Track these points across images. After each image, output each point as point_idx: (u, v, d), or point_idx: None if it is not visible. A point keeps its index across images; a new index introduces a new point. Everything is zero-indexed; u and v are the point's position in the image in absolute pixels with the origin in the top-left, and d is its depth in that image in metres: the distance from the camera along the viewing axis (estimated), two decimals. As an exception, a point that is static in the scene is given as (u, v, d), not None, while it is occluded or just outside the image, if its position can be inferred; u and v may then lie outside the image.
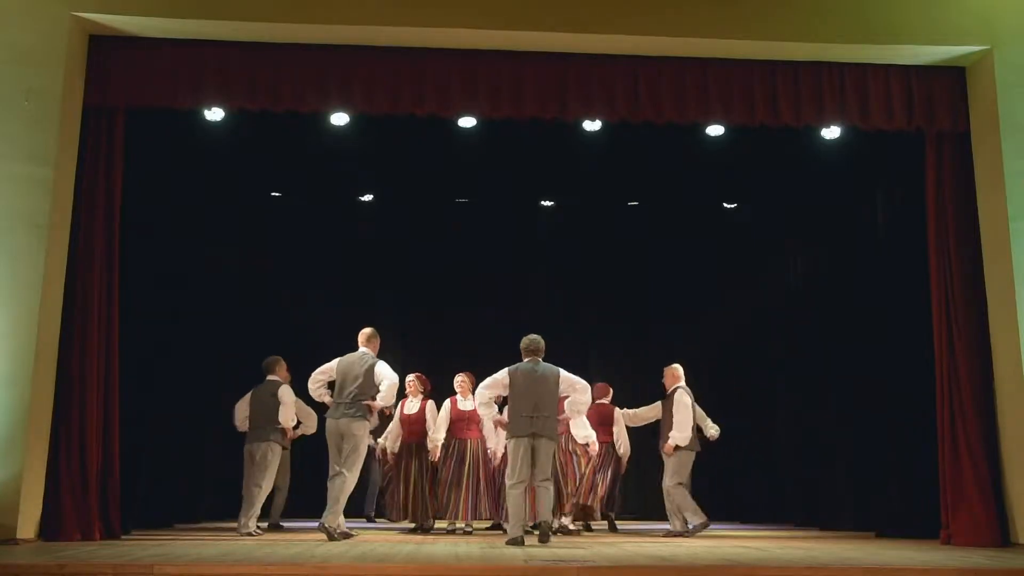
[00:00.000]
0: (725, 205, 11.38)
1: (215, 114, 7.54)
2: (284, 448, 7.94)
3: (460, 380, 8.31)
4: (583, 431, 7.70)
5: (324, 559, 5.04)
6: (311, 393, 7.30)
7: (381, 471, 8.77)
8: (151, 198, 7.89)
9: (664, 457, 8.03)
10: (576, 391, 6.91)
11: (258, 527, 7.62)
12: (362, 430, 6.98)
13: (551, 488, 6.69)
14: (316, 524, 7.08)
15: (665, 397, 8.19)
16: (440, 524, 8.45)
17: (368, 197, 11.15)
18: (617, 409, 8.57)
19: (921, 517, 7.50)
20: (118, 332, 6.84)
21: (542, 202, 11.51)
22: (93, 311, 6.67)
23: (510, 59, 7.20)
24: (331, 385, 7.28)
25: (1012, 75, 7.16)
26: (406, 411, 8.29)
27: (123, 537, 6.68)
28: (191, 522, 9.03)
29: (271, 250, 11.09)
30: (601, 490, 8.19)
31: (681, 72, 7.28)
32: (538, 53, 7.20)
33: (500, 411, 7.39)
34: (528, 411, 6.60)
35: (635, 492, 10.39)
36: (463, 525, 7.99)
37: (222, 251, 10.06)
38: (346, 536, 6.86)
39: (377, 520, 9.79)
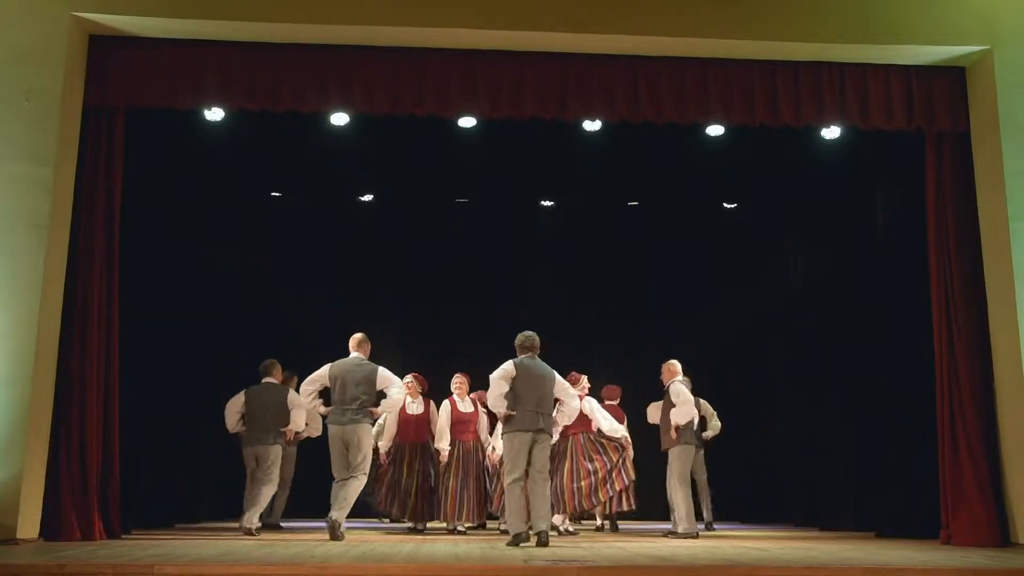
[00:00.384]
0: (725, 205, 11.38)
1: (215, 114, 7.54)
2: (284, 448, 7.97)
3: (458, 381, 8.28)
4: (610, 424, 8.02)
5: (324, 559, 5.04)
6: (304, 402, 7.47)
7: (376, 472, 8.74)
8: (151, 198, 7.90)
9: (671, 454, 7.80)
10: (569, 397, 6.97)
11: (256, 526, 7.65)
12: (369, 435, 7.15)
13: (548, 488, 6.64)
14: (315, 524, 7.11)
15: (665, 393, 8.13)
16: (433, 525, 8.46)
17: (368, 197, 11.15)
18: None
19: (921, 517, 7.50)
20: (118, 332, 6.84)
21: (542, 202, 11.51)
22: (93, 311, 6.67)
23: (510, 59, 7.20)
24: (321, 392, 7.38)
25: (1012, 75, 7.16)
26: (408, 412, 8.28)
27: (123, 537, 6.69)
28: (191, 522, 9.04)
29: (271, 250, 11.10)
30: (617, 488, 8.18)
31: (681, 72, 7.28)
32: (538, 53, 7.20)
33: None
34: (533, 406, 6.56)
35: (636, 492, 10.37)
36: (465, 527, 8.02)
37: (222, 251, 10.06)
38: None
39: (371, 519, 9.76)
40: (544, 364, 6.80)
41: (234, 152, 8.91)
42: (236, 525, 8.30)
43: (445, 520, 8.05)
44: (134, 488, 7.41)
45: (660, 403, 8.22)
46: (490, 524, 8.76)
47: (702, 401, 8.57)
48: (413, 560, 5.07)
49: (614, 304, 11.72)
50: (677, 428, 7.70)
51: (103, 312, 6.75)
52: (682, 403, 7.74)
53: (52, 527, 6.30)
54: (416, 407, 8.33)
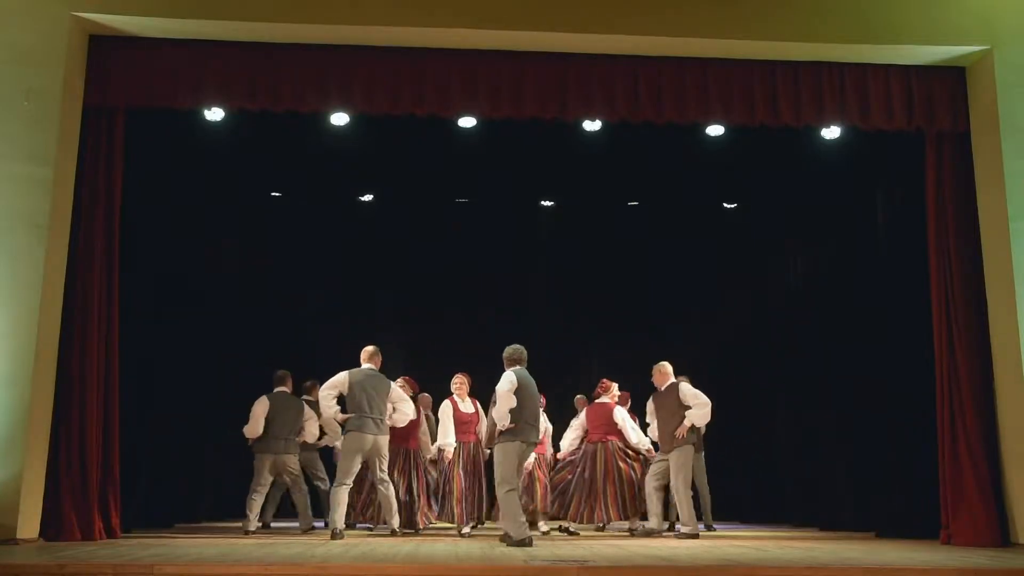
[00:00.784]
0: (725, 205, 11.38)
1: (215, 114, 7.54)
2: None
3: (459, 382, 8.08)
4: (638, 436, 8.02)
5: (324, 559, 5.04)
6: (325, 407, 7.42)
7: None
8: (151, 198, 7.90)
9: (672, 456, 7.66)
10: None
11: (257, 526, 7.77)
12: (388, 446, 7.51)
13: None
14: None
15: (658, 394, 8.04)
16: (441, 525, 8.43)
17: (368, 197, 11.15)
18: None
19: (921, 517, 7.50)
20: (118, 332, 6.84)
21: (542, 202, 11.51)
22: (93, 311, 6.67)
23: (510, 59, 7.20)
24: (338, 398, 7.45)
25: (1012, 75, 7.16)
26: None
27: (123, 537, 6.69)
28: (191, 522, 9.03)
29: (271, 250, 11.10)
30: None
31: (681, 72, 7.28)
32: (538, 53, 7.20)
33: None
34: (532, 419, 6.73)
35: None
36: (469, 529, 7.70)
37: (222, 251, 10.07)
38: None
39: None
40: (530, 376, 6.94)
41: (234, 152, 8.91)
42: (237, 525, 8.31)
43: (452, 521, 7.72)
44: (134, 488, 7.41)
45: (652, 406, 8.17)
46: (490, 525, 8.75)
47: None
48: (413, 560, 5.07)
49: (614, 304, 11.72)
50: (685, 430, 7.62)
51: (103, 312, 6.75)
52: (702, 405, 7.67)
53: (52, 527, 6.30)
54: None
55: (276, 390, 8.05)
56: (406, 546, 6.17)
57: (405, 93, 7.11)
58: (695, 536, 7.53)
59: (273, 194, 10.97)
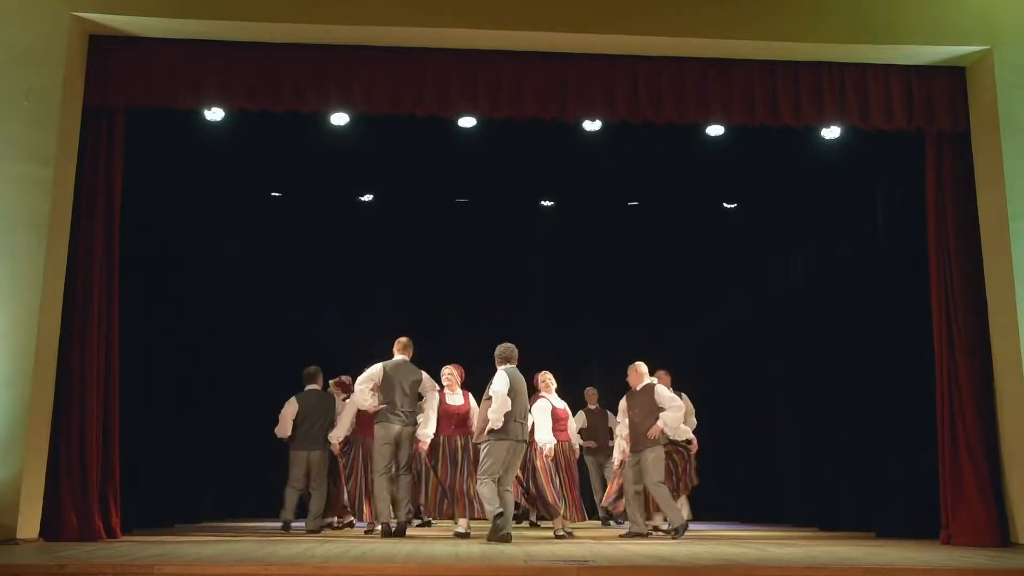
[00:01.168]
0: (725, 205, 11.38)
1: (215, 114, 7.54)
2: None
3: (448, 372, 7.84)
4: (683, 427, 8.01)
5: (324, 559, 5.04)
6: (361, 400, 7.48)
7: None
8: (151, 198, 7.90)
9: (644, 455, 7.59)
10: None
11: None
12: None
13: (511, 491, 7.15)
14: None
15: (632, 394, 7.92)
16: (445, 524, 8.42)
17: (368, 197, 11.15)
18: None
19: (921, 517, 7.50)
20: (118, 332, 6.84)
21: (542, 202, 11.51)
22: (93, 311, 6.67)
23: (510, 59, 7.20)
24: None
25: (1012, 75, 7.16)
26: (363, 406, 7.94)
27: (123, 537, 6.68)
28: (191, 522, 9.03)
29: (271, 250, 11.10)
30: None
31: (681, 72, 7.28)
32: (538, 53, 7.20)
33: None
34: (521, 418, 6.92)
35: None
36: (463, 528, 7.57)
37: (222, 251, 10.07)
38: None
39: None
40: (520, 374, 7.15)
41: (234, 152, 8.91)
42: (237, 525, 8.32)
43: (457, 518, 7.62)
44: (134, 488, 7.41)
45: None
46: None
47: (684, 398, 8.47)
48: (413, 560, 5.07)
49: (614, 304, 11.72)
50: (658, 432, 7.56)
51: (103, 312, 6.75)
52: (676, 408, 7.64)
53: (52, 527, 6.30)
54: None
55: (307, 388, 8.17)
56: (406, 546, 6.17)
57: (405, 93, 7.11)
58: (686, 527, 7.55)
59: (273, 194, 10.97)
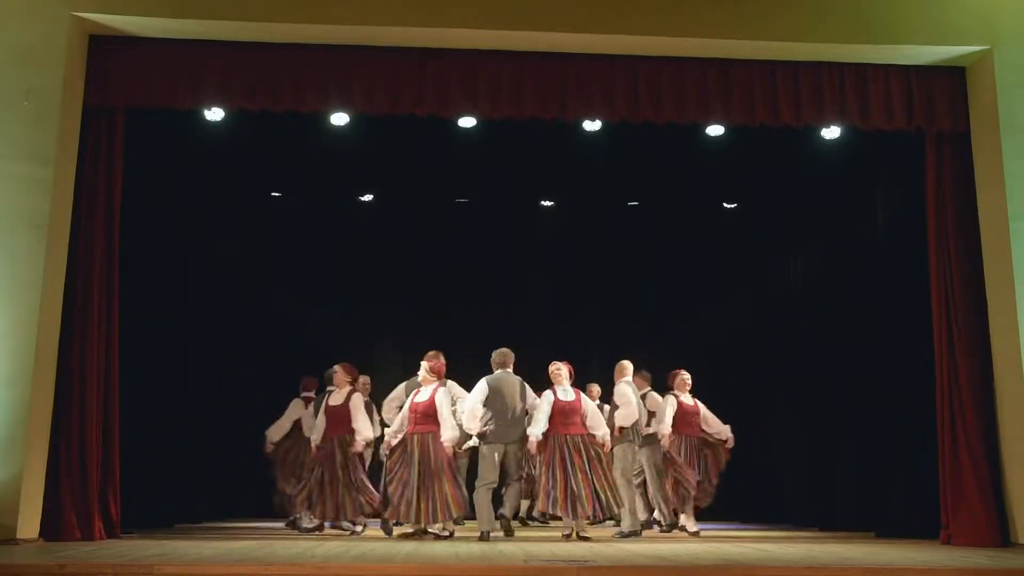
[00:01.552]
0: (725, 205, 11.38)
1: (215, 114, 7.53)
2: None
3: (427, 366, 7.45)
4: (719, 426, 8.21)
5: (324, 559, 5.04)
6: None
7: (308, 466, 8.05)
8: (151, 198, 7.90)
9: (614, 452, 7.73)
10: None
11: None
12: None
13: (519, 486, 7.57)
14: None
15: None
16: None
17: (368, 197, 11.15)
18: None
19: (921, 517, 7.50)
20: (118, 332, 6.84)
21: (542, 202, 11.50)
22: (93, 311, 6.66)
23: (510, 59, 7.20)
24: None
25: (1012, 75, 7.16)
26: (331, 403, 7.74)
27: (123, 537, 6.68)
28: (191, 522, 9.03)
29: (271, 250, 11.09)
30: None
31: (681, 72, 7.28)
32: (538, 53, 7.20)
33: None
34: (510, 420, 7.31)
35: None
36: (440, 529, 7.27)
37: (222, 251, 10.06)
38: None
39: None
40: (514, 376, 7.54)
41: (234, 152, 8.90)
42: (237, 525, 8.32)
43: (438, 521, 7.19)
44: (134, 488, 7.41)
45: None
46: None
47: (654, 397, 8.46)
48: (413, 560, 5.08)
49: (614, 304, 11.71)
50: (620, 429, 7.72)
51: (103, 312, 6.75)
52: (625, 404, 7.75)
53: (52, 527, 6.30)
54: (338, 398, 7.76)
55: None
56: (406, 546, 6.17)
57: (405, 93, 7.11)
58: (637, 534, 7.63)
59: (273, 194, 10.96)
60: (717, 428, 8.36)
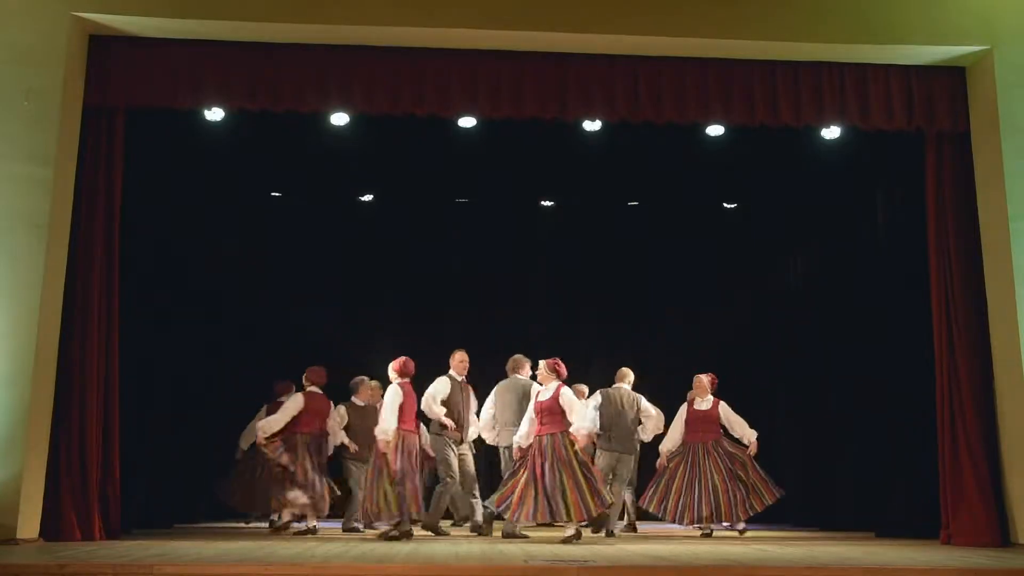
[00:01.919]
0: (725, 205, 11.38)
1: (215, 114, 7.53)
2: None
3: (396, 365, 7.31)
4: (742, 430, 8.17)
5: (324, 559, 5.04)
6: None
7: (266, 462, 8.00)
8: (151, 198, 7.90)
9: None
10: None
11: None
12: None
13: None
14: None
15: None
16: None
17: (368, 197, 11.15)
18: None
19: (921, 517, 7.50)
20: (118, 332, 6.84)
21: (542, 202, 11.51)
22: (93, 311, 6.66)
23: (510, 59, 7.19)
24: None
25: (1012, 75, 7.15)
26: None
27: (123, 537, 6.68)
28: (191, 522, 9.03)
29: (271, 250, 11.09)
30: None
31: (681, 72, 7.28)
32: (538, 53, 7.20)
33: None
34: (507, 423, 7.65)
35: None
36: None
37: (222, 251, 10.06)
38: None
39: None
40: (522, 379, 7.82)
41: (234, 152, 8.91)
42: (237, 525, 8.33)
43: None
44: (134, 488, 7.41)
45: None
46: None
47: (640, 402, 8.42)
48: (413, 560, 5.08)
49: (614, 304, 11.71)
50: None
51: (103, 312, 6.75)
52: (577, 417, 7.63)
53: (52, 527, 6.30)
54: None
55: (352, 399, 8.41)
56: (406, 546, 6.17)
57: (405, 93, 7.11)
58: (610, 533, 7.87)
59: (273, 194, 10.96)
60: (740, 432, 8.16)
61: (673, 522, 8.09)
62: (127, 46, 6.97)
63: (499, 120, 7.44)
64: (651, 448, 8.66)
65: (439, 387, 7.75)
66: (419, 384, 8.39)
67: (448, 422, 7.64)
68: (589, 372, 9.64)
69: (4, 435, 6.19)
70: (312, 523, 7.70)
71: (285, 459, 7.62)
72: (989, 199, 7.22)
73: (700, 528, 8.09)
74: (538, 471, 6.84)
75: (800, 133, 7.84)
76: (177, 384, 8.70)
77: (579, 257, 11.69)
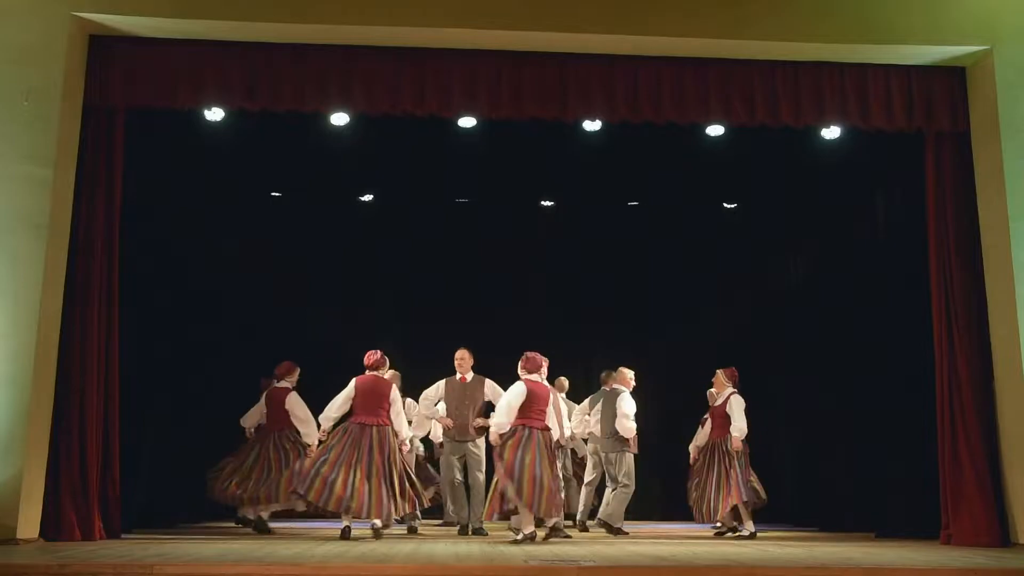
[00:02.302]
0: (725, 205, 11.38)
1: (215, 114, 7.53)
2: None
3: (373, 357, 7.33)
4: (734, 424, 8.14)
5: (324, 559, 5.04)
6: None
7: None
8: (151, 198, 7.90)
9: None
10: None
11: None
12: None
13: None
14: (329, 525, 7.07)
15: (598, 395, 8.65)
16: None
17: (368, 197, 11.15)
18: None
19: (921, 517, 7.50)
20: (118, 332, 6.84)
21: (542, 202, 11.50)
22: (93, 311, 6.66)
23: (510, 59, 7.19)
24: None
25: (1012, 75, 7.15)
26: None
27: (123, 537, 6.68)
28: (191, 522, 9.03)
29: (271, 250, 11.08)
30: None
31: (681, 72, 7.28)
32: (538, 53, 7.20)
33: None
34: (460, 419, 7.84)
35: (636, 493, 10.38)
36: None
37: (222, 251, 10.06)
38: None
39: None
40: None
41: (234, 152, 8.90)
42: (237, 525, 8.32)
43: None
44: (134, 488, 7.41)
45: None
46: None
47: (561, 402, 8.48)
48: (413, 560, 5.08)
49: (614, 304, 11.71)
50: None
51: (103, 312, 6.75)
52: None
53: (52, 527, 6.30)
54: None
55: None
56: (406, 546, 6.17)
57: (405, 93, 7.11)
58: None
59: (273, 194, 10.96)
60: (732, 427, 8.12)
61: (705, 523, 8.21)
62: (127, 46, 6.97)
63: (499, 120, 7.44)
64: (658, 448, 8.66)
65: (430, 390, 8.07)
66: (419, 384, 8.48)
67: (446, 421, 7.93)
68: (589, 372, 9.63)
69: (4, 435, 6.19)
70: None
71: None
72: (989, 199, 7.22)
73: (715, 529, 8.15)
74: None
75: (800, 133, 7.83)
76: (177, 384, 8.69)
77: (579, 257, 11.68)
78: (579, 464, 9.20)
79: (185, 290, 8.92)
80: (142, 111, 7.07)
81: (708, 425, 8.37)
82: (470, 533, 7.74)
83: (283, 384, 8.06)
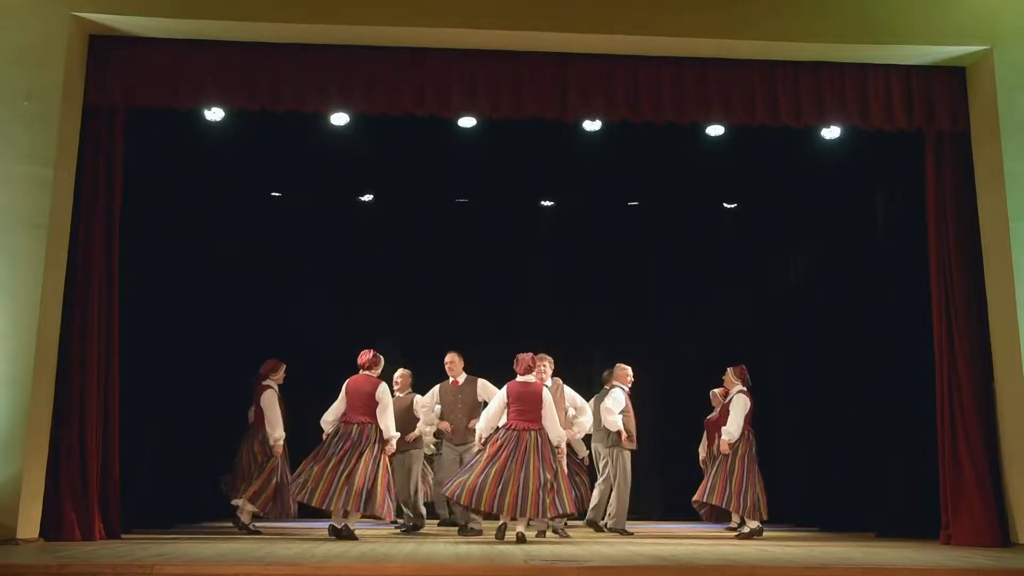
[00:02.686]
0: (725, 205, 11.38)
1: (215, 114, 7.53)
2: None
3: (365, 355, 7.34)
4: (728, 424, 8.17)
5: (324, 559, 5.04)
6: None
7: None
8: (151, 198, 7.90)
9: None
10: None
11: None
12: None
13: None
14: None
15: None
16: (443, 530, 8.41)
17: (368, 197, 11.15)
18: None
19: (921, 517, 7.51)
20: (118, 332, 6.84)
21: (542, 202, 11.50)
22: (93, 311, 6.66)
23: (510, 59, 7.19)
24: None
25: (1012, 75, 7.16)
26: (261, 404, 8.00)
27: (123, 537, 6.68)
28: (191, 522, 9.03)
29: (271, 250, 11.08)
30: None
31: (681, 72, 7.28)
32: (538, 53, 7.20)
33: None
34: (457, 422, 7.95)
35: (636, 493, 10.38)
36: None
37: (222, 251, 10.06)
38: None
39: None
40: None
41: (234, 152, 8.90)
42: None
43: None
44: (134, 488, 7.41)
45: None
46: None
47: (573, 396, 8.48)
48: (413, 560, 5.08)
49: (614, 304, 11.71)
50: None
51: (103, 312, 6.75)
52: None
53: (52, 527, 6.30)
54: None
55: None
56: (406, 546, 6.17)
57: (405, 93, 7.11)
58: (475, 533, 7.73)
59: (273, 194, 10.96)
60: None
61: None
62: (127, 46, 6.97)
63: (499, 120, 7.44)
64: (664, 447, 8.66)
65: (424, 398, 8.18)
66: (419, 385, 8.48)
67: (444, 425, 8.03)
68: (590, 372, 9.63)
69: (4, 435, 6.19)
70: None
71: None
72: (989, 199, 7.22)
73: (730, 528, 8.20)
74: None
75: (800, 133, 7.83)
76: (177, 384, 8.69)
77: (579, 257, 11.68)
78: (579, 464, 9.20)
79: (185, 290, 8.92)
80: (142, 111, 7.07)
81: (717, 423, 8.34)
82: (469, 532, 7.73)
83: (267, 382, 8.02)
